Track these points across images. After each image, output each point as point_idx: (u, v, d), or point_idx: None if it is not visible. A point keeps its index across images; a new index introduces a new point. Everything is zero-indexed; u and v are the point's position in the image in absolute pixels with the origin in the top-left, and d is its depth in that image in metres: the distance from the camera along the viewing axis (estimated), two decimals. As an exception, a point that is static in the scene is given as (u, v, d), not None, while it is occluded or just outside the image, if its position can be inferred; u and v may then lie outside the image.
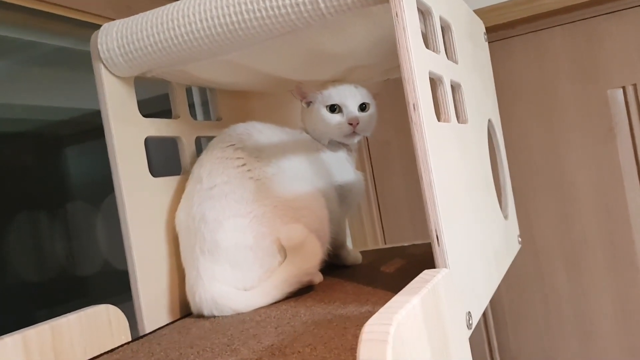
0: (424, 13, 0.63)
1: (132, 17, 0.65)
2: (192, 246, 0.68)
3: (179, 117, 0.78)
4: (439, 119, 0.59)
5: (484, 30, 0.98)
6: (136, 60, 0.65)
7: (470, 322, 0.54)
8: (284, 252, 0.68)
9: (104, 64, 0.66)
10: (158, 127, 0.73)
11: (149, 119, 0.72)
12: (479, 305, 0.59)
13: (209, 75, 0.75)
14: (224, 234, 0.66)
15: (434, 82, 0.62)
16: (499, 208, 0.83)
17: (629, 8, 1.32)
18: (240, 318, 0.63)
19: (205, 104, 1.23)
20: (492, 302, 1.45)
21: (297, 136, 0.82)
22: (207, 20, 0.60)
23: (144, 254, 0.67)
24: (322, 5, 0.56)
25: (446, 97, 0.63)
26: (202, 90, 1.22)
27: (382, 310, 0.36)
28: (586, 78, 1.37)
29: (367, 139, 1.50)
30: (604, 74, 1.35)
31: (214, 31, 0.61)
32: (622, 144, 1.34)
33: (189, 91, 1.24)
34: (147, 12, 0.64)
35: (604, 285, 1.35)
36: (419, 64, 0.53)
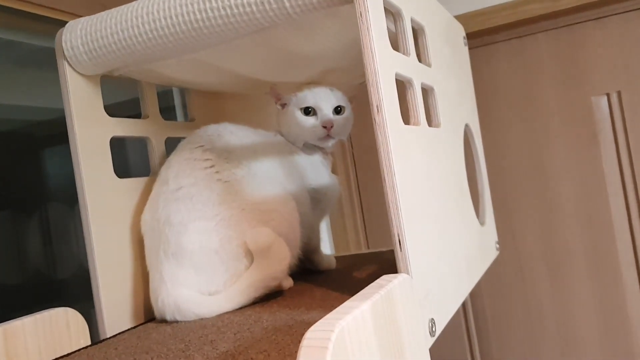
0: (394, 14, 0.62)
1: (97, 15, 0.64)
2: (157, 249, 0.66)
3: (148, 117, 0.76)
4: (407, 122, 0.58)
5: (464, 35, 0.97)
6: (101, 58, 0.64)
7: (434, 329, 0.52)
8: (250, 256, 0.66)
9: (68, 62, 0.65)
10: (125, 127, 0.72)
11: (115, 118, 0.70)
12: (445, 312, 0.58)
13: (178, 74, 0.74)
14: (188, 237, 0.65)
15: (403, 85, 0.61)
16: (474, 214, 0.82)
17: (612, 15, 1.32)
18: (202, 323, 0.61)
19: (185, 105, 1.22)
20: (475, 309, 1.44)
21: (270, 138, 0.81)
22: (171, 17, 0.59)
23: (107, 256, 0.66)
24: (287, 4, 0.55)
25: (416, 100, 0.62)
26: (183, 92, 1.20)
27: (328, 316, 0.35)
28: (570, 84, 1.36)
29: (351, 143, 1.49)
30: (588, 81, 1.35)
31: (178, 29, 0.59)
32: (606, 151, 1.33)
33: (169, 92, 1.23)
34: (112, 9, 0.63)
35: (586, 293, 1.34)
36: (383, 65, 0.52)
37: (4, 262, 1.03)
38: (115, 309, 0.66)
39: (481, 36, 1.43)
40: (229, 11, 0.57)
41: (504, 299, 1.44)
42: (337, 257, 0.92)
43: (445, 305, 0.58)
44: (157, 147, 0.77)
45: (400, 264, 0.50)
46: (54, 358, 0.58)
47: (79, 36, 0.64)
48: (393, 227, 0.50)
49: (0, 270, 1.02)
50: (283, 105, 0.82)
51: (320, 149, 0.83)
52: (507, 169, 1.42)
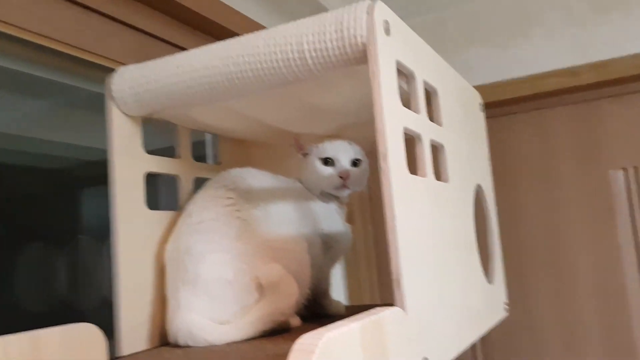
0: (407, 76, 0.68)
1: (144, 63, 0.72)
2: (176, 277, 0.71)
3: (180, 157, 0.83)
4: (414, 173, 0.63)
5: (480, 102, 1.03)
6: (143, 100, 0.72)
7: None
8: (261, 290, 0.71)
9: (115, 102, 0.73)
10: (159, 165, 0.79)
11: (151, 155, 0.77)
12: (441, 354, 0.61)
13: (210, 120, 0.82)
14: (205, 267, 0.70)
15: (413, 139, 0.67)
16: (481, 271, 0.85)
17: (631, 93, 1.37)
18: (211, 349, 0.65)
19: (216, 154, 1.30)
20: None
21: (289, 184, 0.87)
22: (208, 68, 0.67)
23: (130, 281, 0.71)
24: (309, 62, 0.62)
25: (424, 154, 0.67)
26: (215, 140, 1.28)
27: (318, 329, 0.39)
28: (588, 158, 1.40)
29: (370, 196, 1.54)
30: (606, 155, 1.38)
31: (213, 79, 0.67)
32: (622, 225, 1.35)
33: (202, 142, 1.31)
34: (157, 59, 0.71)
35: (600, 367, 1.32)
36: (391, 119, 0.58)
37: (32, 291, 1.09)
38: (133, 331, 0.71)
39: (502, 106, 1.49)
40: (258, 65, 0.64)
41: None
42: (348, 307, 0.95)
43: (441, 348, 0.61)
44: (185, 184, 0.83)
45: (396, 300, 0.54)
46: (72, 368, 0.62)
47: (126, 80, 0.72)
48: (392, 266, 0.54)
49: (27, 298, 1.08)
50: (305, 155, 0.88)
51: (336, 198, 0.89)
52: (523, 236, 1.44)
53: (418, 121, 0.67)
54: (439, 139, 0.74)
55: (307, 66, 0.62)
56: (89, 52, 0.96)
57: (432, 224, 0.65)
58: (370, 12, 0.58)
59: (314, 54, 0.61)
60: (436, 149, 0.75)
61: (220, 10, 1.14)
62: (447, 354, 0.63)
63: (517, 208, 1.43)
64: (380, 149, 0.56)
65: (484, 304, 0.83)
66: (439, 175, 0.75)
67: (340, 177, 0.84)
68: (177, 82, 0.69)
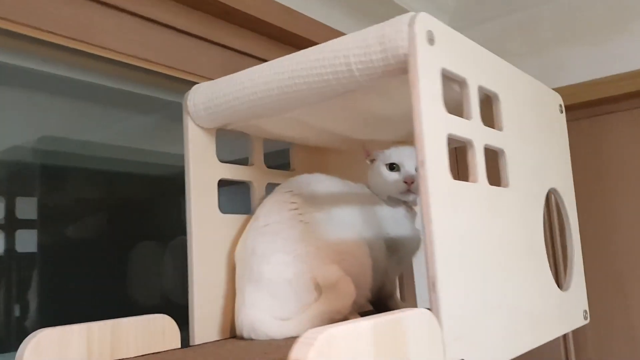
0: (460, 82, 0.69)
1: (214, 80, 0.79)
2: (242, 275, 0.77)
3: (252, 164, 0.90)
4: (459, 178, 0.64)
5: (560, 103, 0.99)
6: (215, 114, 0.79)
7: None
8: (320, 290, 0.75)
9: (190, 117, 0.81)
10: (232, 172, 0.86)
11: (224, 163, 0.84)
12: (485, 356, 0.61)
13: (278, 130, 0.87)
14: (268, 267, 0.75)
15: (464, 145, 0.68)
16: (551, 277, 0.83)
17: None
18: (270, 342, 0.70)
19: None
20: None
21: (356, 189, 0.90)
22: (267, 83, 0.72)
23: (204, 278, 0.78)
24: (357, 74, 0.65)
25: (475, 159, 0.68)
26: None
27: (328, 325, 0.42)
28: (698, 158, 1.29)
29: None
30: None
31: (272, 93, 0.72)
32: None
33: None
34: (225, 76, 0.78)
35: None
36: (431, 126, 0.59)
37: (142, 285, 1.22)
38: (205, 323, 0.78)
39: (600, 105, 1.42)
40: (310, 79, 0.68)
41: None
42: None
43: (486, 351, 0.61)
44: (257, 190, 0.90)
45: (431, 302, 0.55)
46: (147, 353, 0.70)
47: (200, 96, 0.79)
48: (428, 268, 0.56)
49: (138, 291, 1.20)
50: (372, 161, 0.91)
51: (404, 203, 0.90)
52: (621, 239, 1.36)
53: (468, 127, 0.67)
54: (498, 144, 0.74)
55: (355, 78, 0.65)
56: (183, 70, 1.06)
57: (483, 229, 0.66)
58: (411, 24, 0.60)
59: (360, 66, 0.64)
60: (496, 154, 0.74)
61: (298, 21, 1.20)
62: (497, 356, 0.63)
63: (615, 212, 1.35)
64: (419, 156, 0.58)
65: (552, 311, 0.81)
66: (498, 180, 0.74)
67: (405, 182, 0.86)
68: (241, 97, 0.75)
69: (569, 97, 1.44)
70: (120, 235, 1.23)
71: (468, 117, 0.68)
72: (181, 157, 0.81)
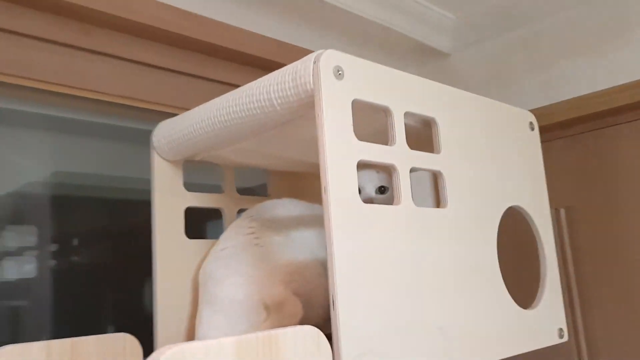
0: (384, 110, 0.72)
1: (175, 117, 0.87)
2: (202, 297, 0.83)
3: (223, 192, 0.96)
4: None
5: (531, 120, 0.99)
6: (177, 148, 0.86)
7: None
8: (269, 311, 0.79)
9: (156, 151, 0.88)
10: (201, 200, 0.92)
11: (192, 192, 0.91)
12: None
13: (241, 159, 0.93)
14: (222, 289, 0.81)
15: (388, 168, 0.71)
16: (505, 293, 0.83)
17: None
18: None
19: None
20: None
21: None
22: (212, 118, 0.78)
23: (168, 300, 0.85)
24: (278, 108, 0.70)
25: (399, 182, 0.71)
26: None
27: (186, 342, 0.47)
28: None
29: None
30: None
31: (216, 127, 0.78)
32: None
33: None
34: (182, 114, 0.85)
35: None
36: (337, 154, 0.63)
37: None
38: (169, 342, 0.84)
39: (603, 117, 1.39)
40: (243, 114, 0.74)
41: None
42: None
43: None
44: (229, 216, 0.96)
45: (332, 321, 0.59)
46: (108, 370, 0.77)
47: (163, 132, 0.87)
48: (330, 289, 0.60)
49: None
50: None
51: (369, 224, 0.94)
52: (632, 254, 1.31)
53: (388, 152, 0.70)
54: (432, 167, 0.76)
55: (277, 111, 0.70)
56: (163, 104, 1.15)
57: (402, 249, 0.68)
58: (317, 61, 0.65)
59: (279, 101, 0.69)
60: (434, 176, 0.77)
61: (263, 44, 1.26)
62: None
63: (620, 225, 1.31)
64: (322, 181, 0.62)
65: (507, 329, 0.81)
66: (438, 202, 0.77)
67: (365, 202, 0.89)
68: (194, 132, 0.82)
69: (573, 111, 1.42)
70: (129, 259, 1.31)
71: (392, 142, 0.71)
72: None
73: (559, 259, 1.53)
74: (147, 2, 1.06)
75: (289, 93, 0.68)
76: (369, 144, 0.68)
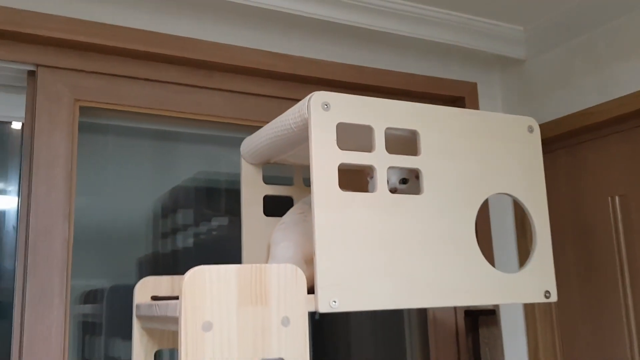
0: (368, 128, 1.05)
1: (253, 134, 1.29)
2: (268, 254, 1.24)
3: (293, 184, 1.36)
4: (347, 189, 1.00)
5: (530, 124, 1.21)
6: (254, 155, 1.28)
7: (335, 304, 0.94)
8: (308, 264, 1.17)
9: (243, 157, 1.31)
10: (275, 189, 1.34)
11: (269, 185, 1.33)
12: (358, 301, 0.97)
13: (297, 161, 1.32)
14: (277, 250, 1.20)
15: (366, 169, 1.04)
16: (479, 257, 1.09)
17: None
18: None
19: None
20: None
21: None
22: (265, 137, 1.18)
23: (252, 258, 1.28)
24: (296, 130, 1.07)
25: (375, 177, 1.03)
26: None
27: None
28: None
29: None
30: None
31: (269, 142, 1.18)
32: None
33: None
34: (257, 131, 1.27)
35: None
36: (323, 160, 0.98)
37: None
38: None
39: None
40: (278, 134, 1.12)
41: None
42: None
43: (361, 297, 0.97)
44: (297, 201, 1.35)
45: (314, 266, 0.95)
46: None
47: (246, 145, 1.30)
48: (314, 247, 0.96)
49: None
50: (371, 178, 1.29)
51: (394, 207, 1.26)
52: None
53: (367, 156, 1.03)
54: (412, 165, 1.07)
55: (295, 133, 1.08)
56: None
57: (375, 220, 1.01)
58: (309, 99, 1.00)
59: (294, 125, 1.07)
60: (410, 171, 1.07)
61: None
62: (371, 303, 0.98)
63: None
64: (311, 178, 0.98)
65: (476, 284, 1.08)
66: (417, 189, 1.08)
67: (391, 191, 1.22)
68: (259, 145, 1.23)
69: (626, 107, 1.54)
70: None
71: (373, 149, 1.04)
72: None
73: (613, 243, 1.65)
74: (245, 51, 1.51)
75: (297, 120, 1.05)
76: (349, 152, 1.02)
